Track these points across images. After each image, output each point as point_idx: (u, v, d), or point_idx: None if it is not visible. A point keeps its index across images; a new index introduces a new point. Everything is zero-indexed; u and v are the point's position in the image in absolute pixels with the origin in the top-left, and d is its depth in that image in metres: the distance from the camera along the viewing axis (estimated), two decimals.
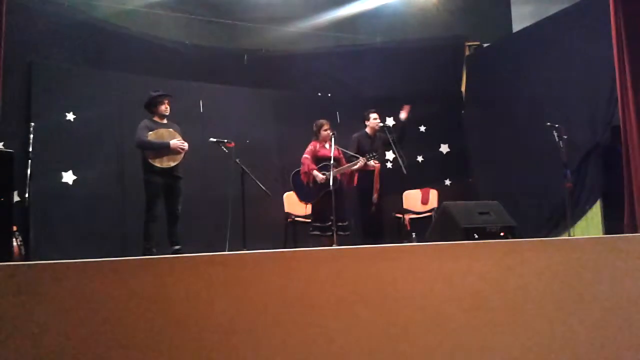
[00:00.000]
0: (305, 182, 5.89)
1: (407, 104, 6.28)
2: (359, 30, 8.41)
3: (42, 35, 6.28)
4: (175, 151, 5.38)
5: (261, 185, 5.55)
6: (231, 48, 7.94)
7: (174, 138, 5.43)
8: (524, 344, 2.49)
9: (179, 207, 5.48)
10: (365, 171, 5.99)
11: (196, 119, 6.83)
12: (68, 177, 6.18)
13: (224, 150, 5.65)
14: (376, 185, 5.99)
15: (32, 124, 5.00)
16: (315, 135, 6.04)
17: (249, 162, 5.70)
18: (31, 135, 4.84)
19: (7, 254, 3.08)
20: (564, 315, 2.59)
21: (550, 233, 6.44)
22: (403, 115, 6.23)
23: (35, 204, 5.56)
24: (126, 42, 6.98)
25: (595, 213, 6.29)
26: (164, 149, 5.35)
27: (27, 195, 4.76)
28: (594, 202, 6.28)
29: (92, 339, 1.90)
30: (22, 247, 4.22)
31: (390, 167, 6.27)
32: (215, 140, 5.66)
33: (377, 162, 5.92)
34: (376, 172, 6.00)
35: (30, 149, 4.78)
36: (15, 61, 5.71)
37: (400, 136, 6.17)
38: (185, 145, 5.44)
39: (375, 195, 5.98)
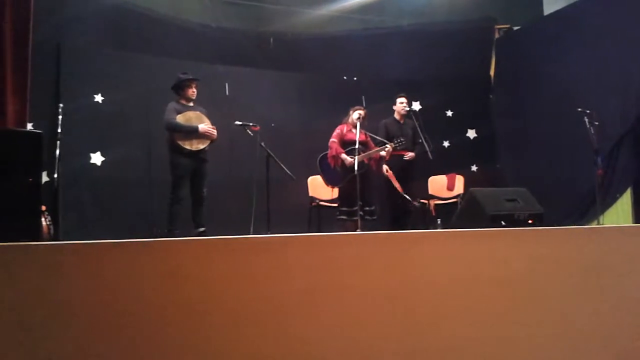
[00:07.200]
0: (332, 166, 5.87)
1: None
2: (385, 13, 8.30)
3: (71, 17, 6.32)
4: (204, 135, 5.42)
5: (285, 169, 5.54)
6: (257, 31, 7.91)
7: (201, 121, 5.46)
8: (549, 333, 2.45)
9: (204, 190, 5.51)
10: (396, 157, 5.96)
11: (222, 102, 6.83)
12: (96, 158, 6.27)
13: (249, 134, 5.65)
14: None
15: (61, 105, 5.05)
16: (347, 118, 6.00)
17: (273, 145, 5.69)
18: (60, 117, 4.89)
19: (36, 234, 3.12)
20: (592, 305, 2.54)
21: (579, 221, 6.34)
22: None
23: (64, 184, 5.64)
24: (153, 25, 7.00)
25: (625, 201, 6.18)
26: (193, 133, 5.39)
27: (56, 175, 4.82)
28: (625, 189, 6.17)
29: (107, 318, 1.92)
30: (51, 227, 4.28)
31: (416, 152, 6.21)
32: (240, 123, 5.66)
33: (409, 153, 5.95)
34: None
35: (59, 130, 4.83)
36: (44, 43, 5.78)
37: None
38: (214, 132, 5.47)
39: (398, 186, 5.96)
